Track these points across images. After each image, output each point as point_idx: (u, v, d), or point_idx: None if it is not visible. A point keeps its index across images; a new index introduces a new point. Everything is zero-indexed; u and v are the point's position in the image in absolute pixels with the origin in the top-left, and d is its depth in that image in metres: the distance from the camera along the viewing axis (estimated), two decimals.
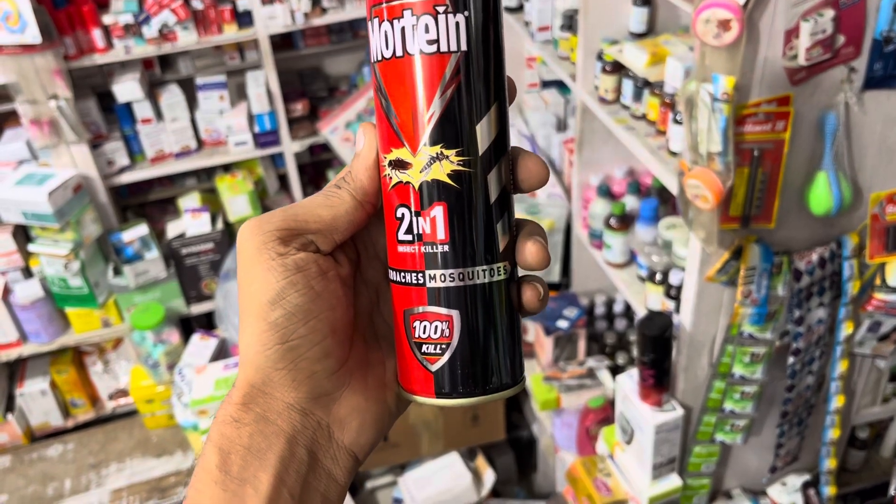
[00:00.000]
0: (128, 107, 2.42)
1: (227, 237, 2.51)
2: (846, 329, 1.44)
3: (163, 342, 2.40)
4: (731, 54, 1.10)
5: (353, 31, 2.71)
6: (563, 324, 1.96)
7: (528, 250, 0.41)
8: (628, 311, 2.10)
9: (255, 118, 2.51)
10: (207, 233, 2.48)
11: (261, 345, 0.38)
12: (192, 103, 2.51)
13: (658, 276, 1.61)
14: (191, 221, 2.50)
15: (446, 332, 0.40)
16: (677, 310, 1.52)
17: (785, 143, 1.20)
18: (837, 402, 1.53)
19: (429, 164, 0.38)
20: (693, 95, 1.16)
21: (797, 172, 1.26)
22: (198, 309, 2.59)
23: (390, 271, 0.42)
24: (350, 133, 2.60)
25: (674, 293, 1.56)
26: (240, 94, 2.60)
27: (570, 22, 1.82)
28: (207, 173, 2.74)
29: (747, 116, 1.16)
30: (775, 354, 1.43)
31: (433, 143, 0.38)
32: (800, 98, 1.18)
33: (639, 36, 1.67)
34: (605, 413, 1.89)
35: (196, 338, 2.32)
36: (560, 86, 2.28)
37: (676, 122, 1.41)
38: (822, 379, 1.54)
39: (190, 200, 2.62)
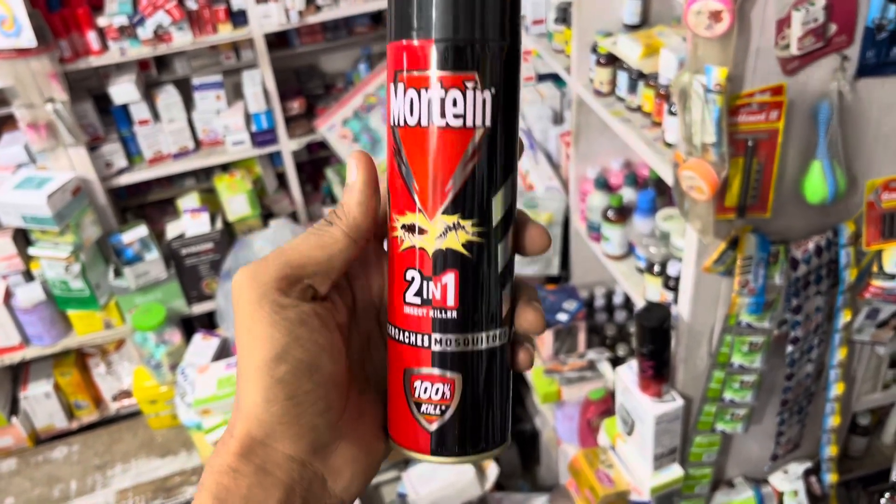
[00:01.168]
0: (124, 108, 2.42)
1: (226, 237, 2.52)
2: (844, 317, 1.45)
3: (165, 343, 2.41)
4: (724, 45, 1.10)
5: (348, 29, 2.71)
6: (562, 317, 1.97)
7: (528, 319, 0.42)
8: (628, 303, 2.11)
9: (251, 117, 2.51)
10: (207, 233, 2.48)
11: (265, 400, 0.38)
12: (188, 104, 2.52)
13: (656, 268, 1.61)
14: (190, 222, 2.51)
15: (447, 395, 0.41)
16: (675, 301, 1.52)
17: (779, 132, 1.20)
18: (837, 389, 1.53)
19: (444, 232, 0.39)
20: (686, 87, 1.16)
21: (792, 162, 1.26)
22: (199, 309, 2.60)
23: (391, 328, 0.42)
24: (348, 130, 2.60)
25: (672, 284, 1.56)
26: (236, 93, 2.60)
27: (564, 15, 1.82)
28: (206, 173, 2.74)
29: (741, 107, 1.17)
30: (774, 343, 1.44)
31: (451, 212, 0.39)
32: (793, 87, 1.18)
33: (633, 28, 1.67)
34: (607, 405, 1.89)
35: (198, 338, 2.33)
36: (556, 79, 2.28)
37: (671, 113, 1.41)
38: (822, 367, 1.55)
39: (189, 201, 2.62)
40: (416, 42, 0.38)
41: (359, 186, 0.41)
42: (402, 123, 0.39)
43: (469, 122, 0.38)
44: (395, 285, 0.42)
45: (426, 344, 0.41)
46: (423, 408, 0.41)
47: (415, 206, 0.40)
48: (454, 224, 0.39)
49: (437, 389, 0.41)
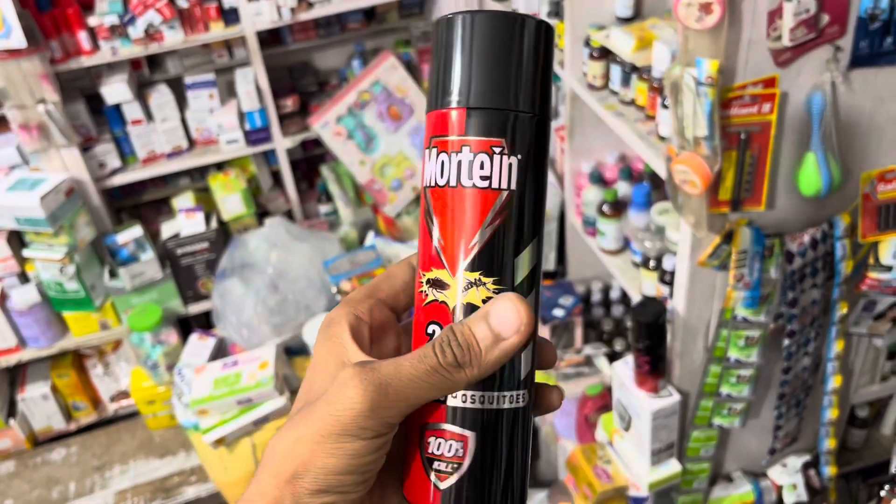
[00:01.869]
0: (117, 108, 2.41)
1: (221, 236, 2.51)
2: (841, 309, 1.44)
3: (161, 343, 2.40)
4: (714, 37, 1.09)
5: (340, 25, 2.69)
6: (559, 312, 1.96)
7: (554, 400, 0.43)
8: (625, 298, 2.10)
9: (245, 116, 2.50)
10: (202, 232, 2.47)
11: (317, 490, 0.37)
12: (181, 103, 2.50)
13: (652, 262, 1.60)
14: (185, 221, 2.50)
15: (460, 452, 0.41)
16: (671, 295, 1.51)
17: (772, 125, 1.19)
18: (835, 382, 1.52)
19: (466, 287, 0.40)
20: (678, 80, 1.15)
21: (786, 154, 1.25)
22: (195, 309, 2.59)
23: None
24: (342, 127, 2.59)
25: (668, 278, 1.55)
26: (229, 91, 2.59)
27: (556, 8, 1.81)
28: (200, 172, 2.73)
29: (733, 99, 1.16)
30: (770, 337, 1.43)
31: (472, 269, 0.40)
32: (786, 79, 1.17)
33: (625, 21, 1.66)
34: (604, 400, 1.89)
35: (194, 338, 2.32)
36: None
37: (665, 106, 1.40)
38: (819, 360, 1.54)
39: (184, 200, 2.61)
40: (450, 110, 0.41)
41: (513, 346, 0.40)
42: (432, 184, 0.41)
43: (495, 185, 0.40)
44: (416, 339, 0.42)
45: (441, 398, 0.41)
46: (436, 464, 0.41)
47: (440, 263, 0.41)
48: (476, 280, 0.40)
49: (451, 446, 0.41)
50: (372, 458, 0.38)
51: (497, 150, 0.40)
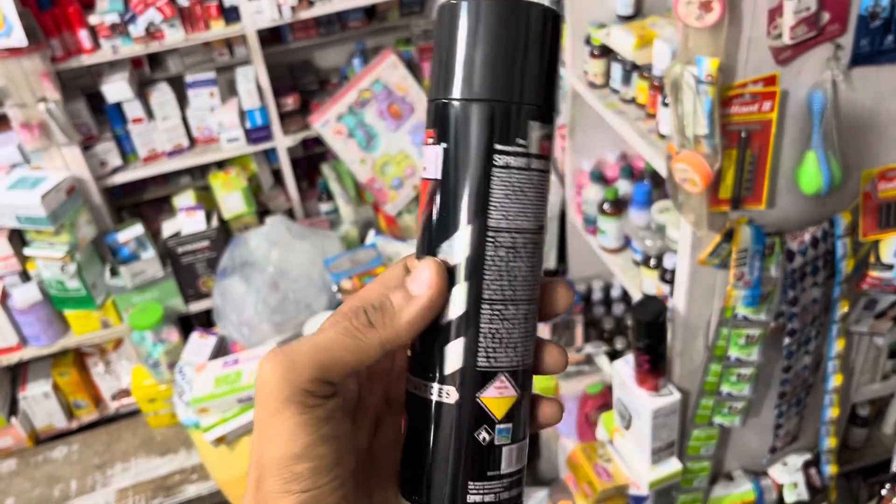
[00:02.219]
0: (118, 107, 2.41)
1: (222, 234, 2.51)
2: (841, 308, 1.43)
3: (162, 341, 2.40)
4: (714, 35, 1.09)
5: (341, 23, 2.69)
6: None
7: (553, 357, 0.43)
8: (626, 296, 2.10)
9: (246, 114, 2.50)
10: (203, 230, 2.47)
11: (281, 490, 0.37)
12: (182, 101, 2.50)
13: (652, 261, 1.60)
14: (186, 220, 2.50)
15: (402, 430, 0.43)
16: (672, 294, 1.51)
17: (772, 123, 1.18)
18: (835, 381, 1.52)
19: None
20: (678, 78, 1.15)
21: (786, 152, 1.24)
22: (196, 307, 2.59)
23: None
24: (342, 126, 2.59)
25: (669, 277, 1.55)
26: (230, 90, 2.59)
27: (557, 6, 1.80)
28: (201, 171, 2.73)
29: (733, 98, 1.15)
30: (771, 336, 1.43)
31: (418, 255, 0.42)
32: (786, 77, 1.17)
33: (626, 18, 1.66)
34: (605, 399, 1.89)
35: (195, 336, 2.32)
36: None
37: (665, 105, 1.40)
38: (820, 358, 1.54)
39: (184, 199, 2.61)
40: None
41: (423, 304, 0.39)
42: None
43: (429, 174, 0.41)
44: None
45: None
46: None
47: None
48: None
49: (401, 426, 0.43)
50: (314, 437, 0.37)
51: (430, 139, 0.41)
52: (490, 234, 0.40)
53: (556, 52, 0.41)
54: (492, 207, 0.39)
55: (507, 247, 0.40)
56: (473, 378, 0.40)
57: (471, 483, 0.41)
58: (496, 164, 0.39)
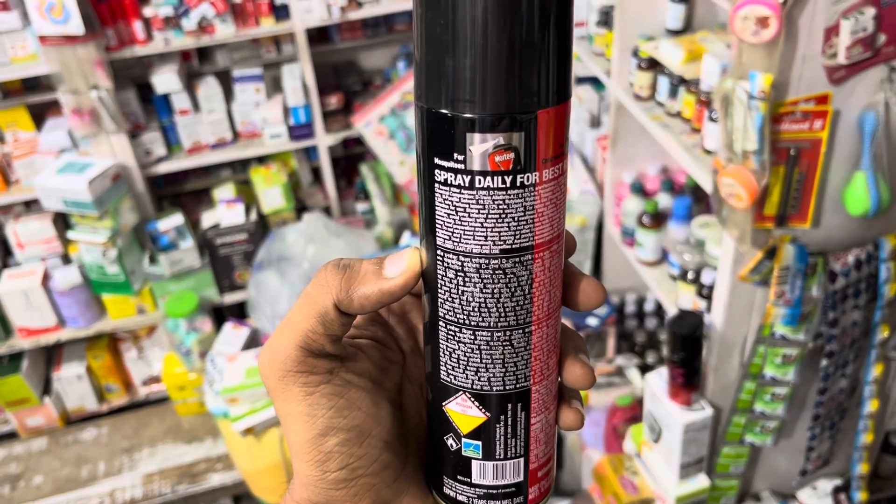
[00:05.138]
0: (166, 98, 2.46)
1: (260, 228, 2.54)
2: (882, 332, 1.42)
3: (195, 330, 2.43)
4: (769, 52, 1.09)
5: (387, 26, 2.72)
6: (592, 321, 1.96)
7: (575, 374, 0.40)
8: (659, 310, 2.09)
9: (290, 111, 2.54)
10: (241, 223, 2.51)
11: (318, 471, 0.38)
12: (228, 95, 2.55)
13: (690, 275, 1.59)
14: (225, 212, 2.54)
15: None
16: (709, 309, 1.51)
17: (822, 142, 1.18)
18: (871, 406, 1.50)
19: None
20: (729, 93, 1.15)
21: (835, 172, 1.24)
22: (230, 298, 2.62)
23: None
24: (384, 127, 2.62)
25: (705, 292, 1.55)
26: (275, 86, 2.62)
27: (605, 18, 1.81)
28: (242, 165, 2.77)
29: (784, 115, 1.15)
30: (808, 356, 1.41)
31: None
32: (839, 97, 1.16)
33: (675, 33, 1.66)
34: (634, 412, 1.88)
35: (228, 326, 2.35)
36: (594, 82, 2.26)
37: (712, 119, 1.40)
38: (856, 382, 1.52)
39: (225, 191, 2.65)
40: None
41: (383, 287, 0.37)
42: None
43: None
44: None
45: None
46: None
47: None
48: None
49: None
50: (331, 411, 0.37)
51: None
52: (439, 252, 0.36)
53: (508, 48, 0.32)
54: (437, 226, 0.36)
55: (455, 269, 0.36)
56: (439, 386, 0.39)
57: (445, 477, 0.40)
58: (437, 179, 0.35)
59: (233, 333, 2.32)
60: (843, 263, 1.32)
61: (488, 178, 0.33)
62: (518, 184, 0.34)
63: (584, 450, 2.04)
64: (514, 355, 0.37)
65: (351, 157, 2.95)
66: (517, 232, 0.34)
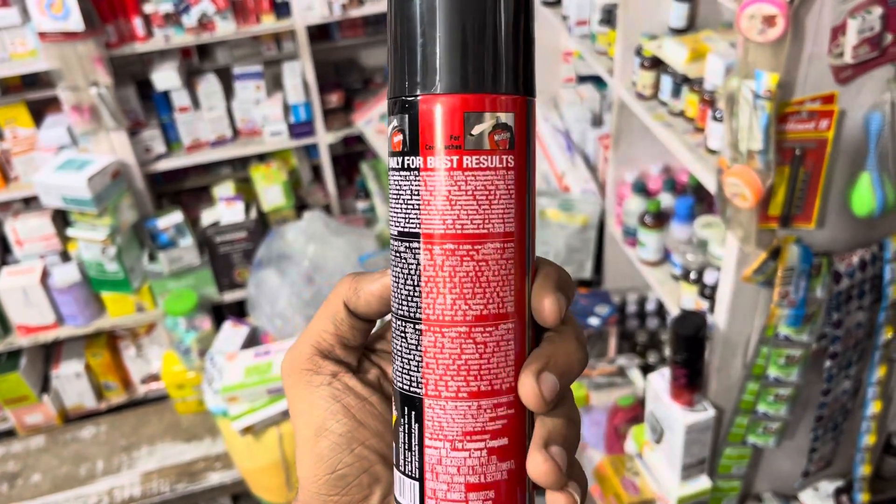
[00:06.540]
0: (166, 95, 2.45)
1: (260, 226, 2.53)
2: (886, 334, 1.41)
3: (195, 328, 2.43)
4: (776, 51, 1.08)
5: None
6: (594, 321, 1.95)
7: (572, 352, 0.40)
8: (661, 310, 2.08)
9: (290, 108, 2.53)
10: (241, 221, 2.50)
11: (313, 475, 0.38)
12: (228, 92, 2.54)
13: (692, 275, 1.59)
14: (225, 210, 2.53)
15: None
16: (711, 309, 1.50)
17: (828, 142, 1.17)
18: (874, 407, 1.50)
19: None
20: (735, 92, 1.14)
21: (840, 172, 1.23)
22: (230, 297, 2.61)
23: None
24: (385, 125, 2.61)
25: (708, 293, 1.54)
26: (276, 84, 2.61)
27: (608, 16, 1.80)
28: (242, 162, 2.76)
29: (790, 114, 1.14)
30: (812, 357, 1.41)
31: None
32: (845, 97, 1.15)
33: (679, 31, 1.65)
34: (635, 412, 1.87)
35: (228, 325, 2.34)
36: (597, 81, 2.26)
37: (716, 119, 1.39)
38: (860, 384, 1.51)
39: (224, 189, 2.64)
40: None
41: (385, 281, 0.39)
42: None
43: None
44: None
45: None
46: None
47: None
48: None
49: None
50: (327, 412, 0.38)
51: None
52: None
53: (402, 37, 0.34)
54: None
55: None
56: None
57: None
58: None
59: (232, 332, 2.31)
60: (847, 264, 1.31)
61: (391, 160, 0.35)
62: (405, 165, 0.34)
63: (584, 450, 2.04)
64: (407, 351, 0.36)
65: (351, 155, 2.95)
66: (406, 215, 0.35)
